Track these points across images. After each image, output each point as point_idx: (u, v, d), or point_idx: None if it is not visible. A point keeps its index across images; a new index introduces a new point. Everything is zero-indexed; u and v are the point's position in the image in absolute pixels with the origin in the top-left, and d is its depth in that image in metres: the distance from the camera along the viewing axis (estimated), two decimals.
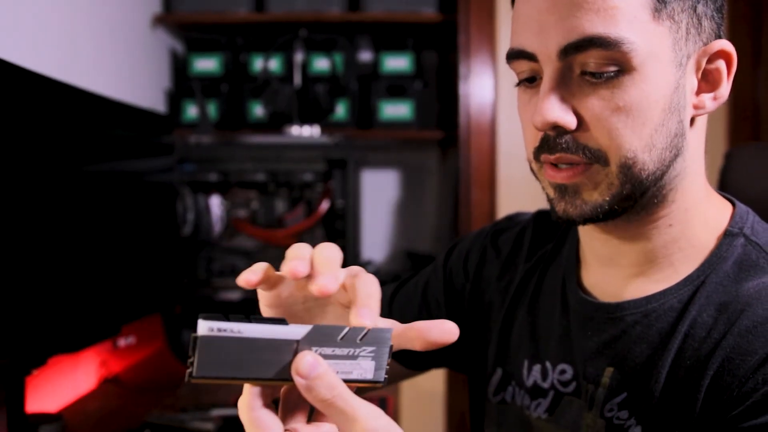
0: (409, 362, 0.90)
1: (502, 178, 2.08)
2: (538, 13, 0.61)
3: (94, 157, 1.22)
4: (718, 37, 0.64)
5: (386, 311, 0.90)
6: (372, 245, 2.47)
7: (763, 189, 0.94)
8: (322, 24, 2.21)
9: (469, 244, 0.88)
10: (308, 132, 1.97)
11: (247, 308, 1.86)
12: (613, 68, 0.60)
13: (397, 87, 2.22)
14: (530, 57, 0.63)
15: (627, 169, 0.61)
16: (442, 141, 2.36)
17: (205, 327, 0.44)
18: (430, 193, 2.53)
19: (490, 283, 0.84)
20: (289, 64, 2.20)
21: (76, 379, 1.42)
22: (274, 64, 2.21)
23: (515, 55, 0.64)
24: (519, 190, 2.01)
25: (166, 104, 2.25)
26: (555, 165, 0.64)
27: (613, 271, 0.70)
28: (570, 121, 0.61)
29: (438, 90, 2.41)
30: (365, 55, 2.32)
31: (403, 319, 0.88)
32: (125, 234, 1.32)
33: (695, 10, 0.62)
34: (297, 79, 2.02)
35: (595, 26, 0.59)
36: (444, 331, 0.51)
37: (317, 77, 2.15)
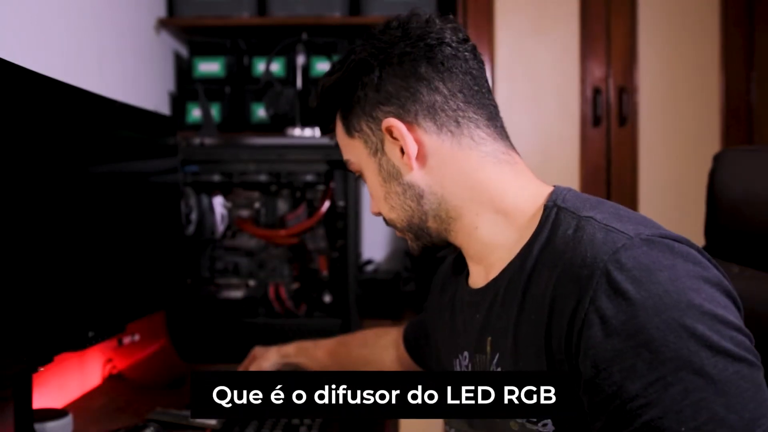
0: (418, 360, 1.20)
1: None
2: None
3: (100, 157, 1.23)
4: (396, 113, 0.86)
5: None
6: (372, 244, 2.50)
7: (749, 190, 0.96)
8: (323, 28, 2.23)
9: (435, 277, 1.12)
10: (309, 134, 1.99)
11: (248, 307, 1.89)
12: (358, 172, 0.92)
13: None
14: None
15: (394, 226, 0.91)
16: None
17: None
18: None
19: (434, 306, 1.06)
20: (290, 67, 2.22)
21: (82, 375, 1.44)
22: (276, 67, 2.23)
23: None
24: None
25: (170, 106, 2.28)
26: None
27: (478, 268, 0.89)
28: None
29: None
30: None
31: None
32: (130, 234, 1.34)
33: (365, 113, 0.88)
34: (299, 81, 2.04)
35: (343, 154, 0.94)
36: None
37: (318, 80, 2.16)
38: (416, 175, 0.86)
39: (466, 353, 0.89)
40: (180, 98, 2.28)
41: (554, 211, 0.80)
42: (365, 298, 2.07)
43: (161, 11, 2.22)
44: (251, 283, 1.91)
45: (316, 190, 1.92)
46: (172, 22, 2.21)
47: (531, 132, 2.15)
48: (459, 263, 0.99)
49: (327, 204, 1.89)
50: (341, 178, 1.89)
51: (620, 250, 0.69)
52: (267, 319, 1.84)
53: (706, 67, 2.15)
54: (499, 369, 0.81)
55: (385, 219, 0.92)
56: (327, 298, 1.89)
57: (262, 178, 1.90)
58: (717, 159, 1.03)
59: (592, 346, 0.67)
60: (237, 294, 1.90)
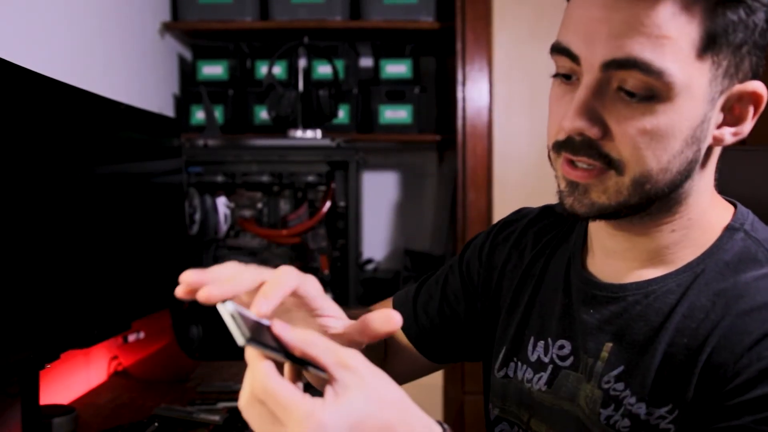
0: (431, 355, 0.94)
1: (498, 179, 2.11)
2: (591, 20, 0.64)
3: (105, 158, 1.25)
4: (755, 73, 0.66)
5: (411, 309, 0.94)
6: (372, 244, 2.52)
7: (748, 191, 0.98)
8: (324, 31, 2.26)
9: (483, 237, 0.94)
10: (311, 135, 2.02)
11: None
12: (649, 92, 0.63)
13: (396, 92, 2.27)
14: (574, 58, 0.66)
15: (640, 184, 0.66)
16: (440, 144, 2.40)
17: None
18: (428, 194, 2.57)
19: (498, 268, 0.89)
20: (292, 70, 2.25)
21: (88, 372, 1.46)
22: (279, 70, 2.26)
23: (560, 51, 0.67)
24: (513, 191, 2.06)
25: (175, 108, 2.30)
26: (572, 162, 0.67)
27: (617, 263, 0.75)
28: (596, 132, 0.65)
29: (436, 95, 2.46)
30: (366, 61, 2.37)
31: (428, 316, 0.93)
32: (135, 233, 1.35)
33: (739, 51, 0.64)
34: (300, 84, 2.07)
35: (643, 50, 0.61)
36: (385, 320, 0.58)
37: (320, 82, 2.19)
38: (712, 154, 0.70)
39: (564, 343, 0.77)
40: (184, 100, 2.31)
41: (740, 236, 0.70)
42: (366, 296, 2.10)
43: (165, 15, 2.24)
44: None
45: (317, 191, 1.95)
46: (176, 26, 2.24)
47: (529, 135, 2.17)
48: (541, 232, 0.87)
49: (328, 204, 1.92)
50: (342, 178, 1.92)
51: None
52: None
53: None
54: (621, 384, 0.70)
55: (622, 162, 0.66)
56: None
57: (265, 178, 1.93)
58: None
59: (735, 395, 0.62)
60: None
